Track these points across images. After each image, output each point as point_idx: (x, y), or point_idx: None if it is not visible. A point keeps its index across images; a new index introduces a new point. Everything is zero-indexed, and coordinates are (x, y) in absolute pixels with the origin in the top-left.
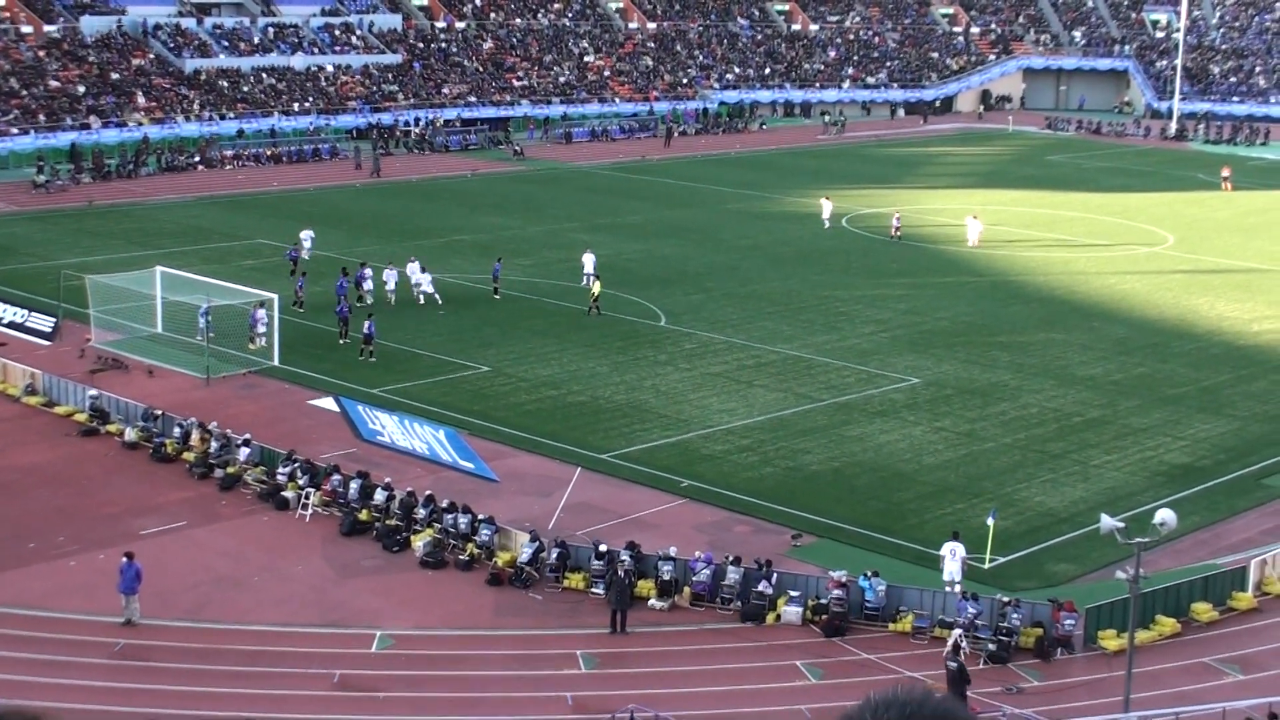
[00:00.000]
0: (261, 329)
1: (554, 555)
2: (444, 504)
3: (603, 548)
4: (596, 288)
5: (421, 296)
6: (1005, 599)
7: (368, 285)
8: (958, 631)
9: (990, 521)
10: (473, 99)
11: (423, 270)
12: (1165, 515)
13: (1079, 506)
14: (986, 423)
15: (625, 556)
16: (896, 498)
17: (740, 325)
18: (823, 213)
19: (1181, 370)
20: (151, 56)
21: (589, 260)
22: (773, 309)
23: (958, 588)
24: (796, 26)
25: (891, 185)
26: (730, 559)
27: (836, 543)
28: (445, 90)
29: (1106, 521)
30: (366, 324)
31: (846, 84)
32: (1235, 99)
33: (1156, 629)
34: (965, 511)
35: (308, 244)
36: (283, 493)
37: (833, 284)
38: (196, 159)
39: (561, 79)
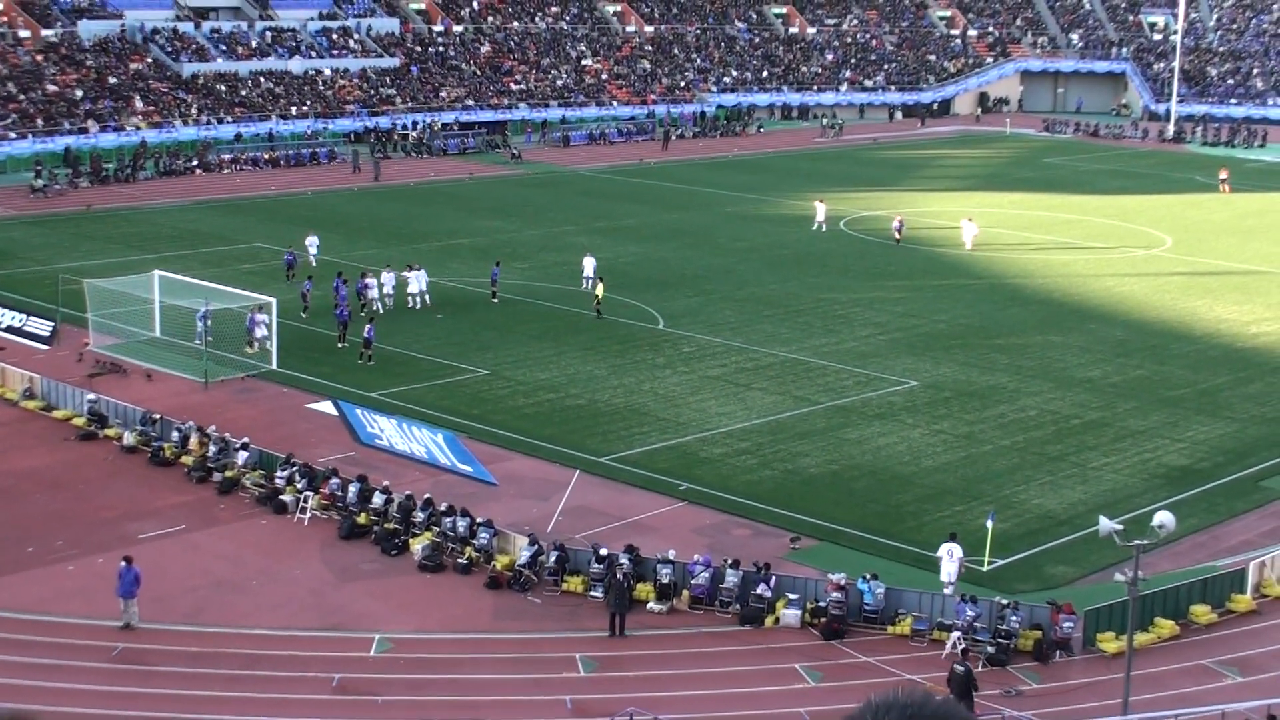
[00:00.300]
0: (260, 333)
1: (553, 558)
2: (442, 507)
3: (603, 551)
4: (600, 290)
5: (415, 300)
6: (1004, 601)
7: (372, 294)
8: (956, 634)
9: (989, 524)
10: (470, 102)
11: (409, 270)
12: (1164, 517)
13: (1077, 509)
14: (985, 425)
15: (624, 559)
16: (895, 500)
17: (738, 328)
18: (816, 215)
19: (1180, 372)
20: (149, 61)
21: (589, 264)
22: (771, 312)
23: (950, 590)
24: (794, 29)
25: (889, 188)
26: (729, 562)
27: (835, 545)
28: (443, 94)
29: (1105, 524)
30: (366, 328)
31: (844, 87)
32: (1233, 101)
33: (1155, 631)
34: (964, 514)
35: (314, 250)
36: (281, 496)
37: (831, 287)
38: (194, 163)
39: (559, 82)
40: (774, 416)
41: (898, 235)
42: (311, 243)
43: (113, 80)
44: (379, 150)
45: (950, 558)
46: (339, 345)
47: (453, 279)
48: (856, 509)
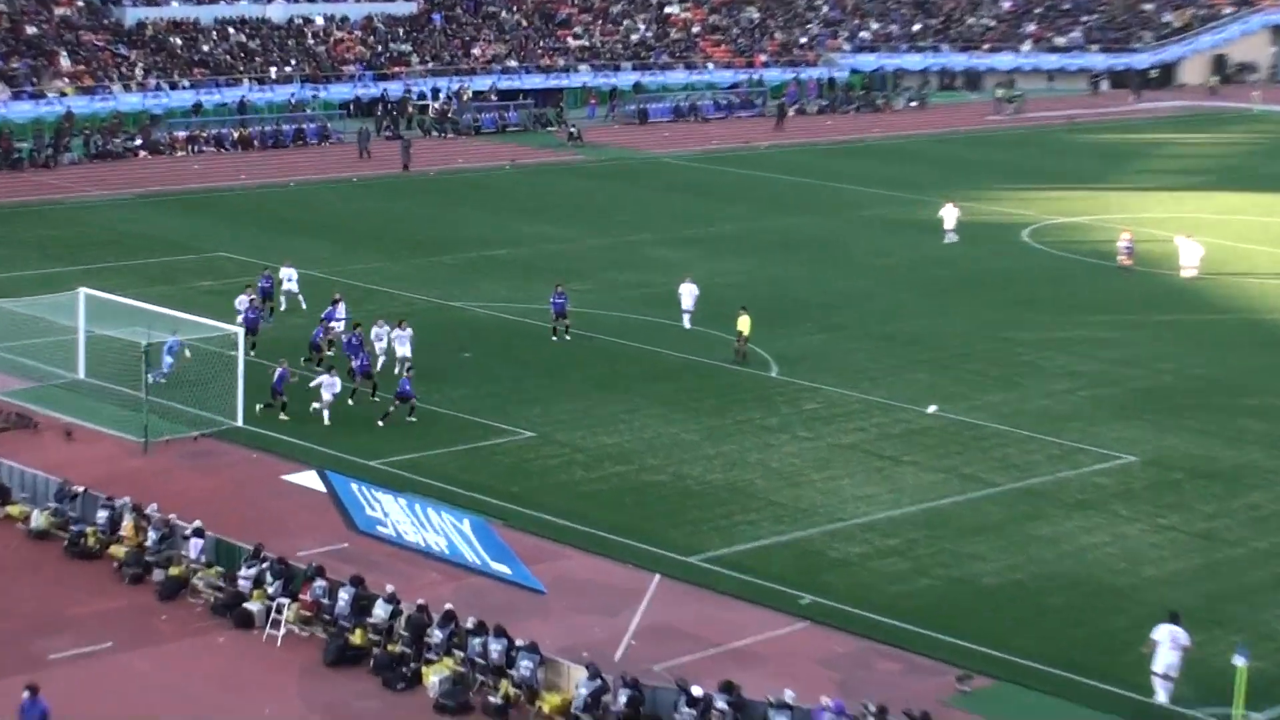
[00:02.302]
0: (328, 396)
1: (622, 699)
2: (468, 624)
3: (694, 691)
4: (744, 323)
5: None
6: None
7: (381, 345)
8: None
9: (1239, 662)
10: (513, 63)
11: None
12: None
13: None
14: (1232, 520)
15: (721, 703)
16: (1106, 625)
17: (881, 378)
18: (945, 223)
19: None
20: (79, 4)
21: (689, 292)
22: (926, 356)
23: (1167, 689)
24: None
25: (1091, 185)
26: (872, 710)
27: (1020, 687)
28: (476, 51)
29: None
30: (403, 380)
31: (1027, 46)
32: None
33: None
34: (1203, 645)
35: (293, 286)
36: (246, 604)
37: (1011, 322)
38: (138, 142)
39: (634, 37)
40: (933, 503)
41: (1126, 259)
42: (287, 275)
43: (31, 30)
44: (388, 128)
45: (1173, 644)
46: (366, 395)
47: (484, 304)
48: (1051, 636)
